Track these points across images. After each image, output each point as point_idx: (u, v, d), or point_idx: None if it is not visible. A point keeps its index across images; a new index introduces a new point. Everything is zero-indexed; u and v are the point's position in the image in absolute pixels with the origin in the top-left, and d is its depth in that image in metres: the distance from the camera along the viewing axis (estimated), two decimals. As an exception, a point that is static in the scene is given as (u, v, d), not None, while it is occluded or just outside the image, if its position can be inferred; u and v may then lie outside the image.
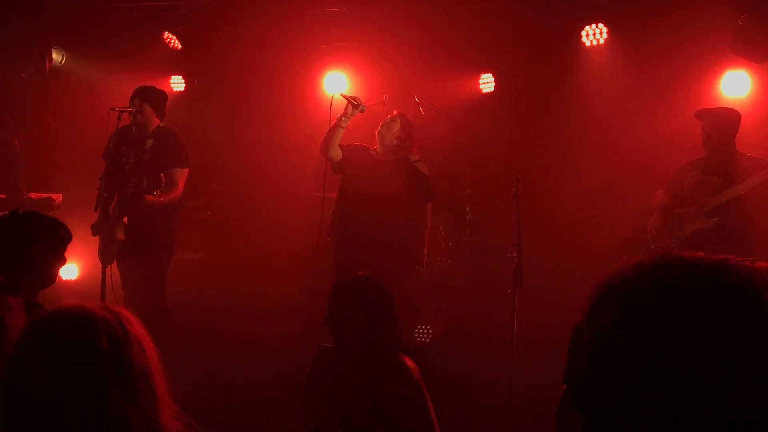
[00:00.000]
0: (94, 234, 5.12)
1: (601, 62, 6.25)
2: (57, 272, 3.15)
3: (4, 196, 6.25)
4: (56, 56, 7.13)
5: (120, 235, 5.10)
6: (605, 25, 6.15)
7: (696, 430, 0.80)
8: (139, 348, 1.61)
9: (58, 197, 6.33)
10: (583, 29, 6.24)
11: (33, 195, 6.30)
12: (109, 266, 5.08)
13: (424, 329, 5.88)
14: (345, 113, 4.91)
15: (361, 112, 4.93)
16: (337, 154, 5.06)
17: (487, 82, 6.92)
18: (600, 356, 0.86)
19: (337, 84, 6.61)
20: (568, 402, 0.90)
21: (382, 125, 5.14)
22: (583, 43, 6.27)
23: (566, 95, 6.44)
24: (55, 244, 3.09)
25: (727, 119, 4.99)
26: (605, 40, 6.17)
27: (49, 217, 3.19)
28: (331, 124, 4.98)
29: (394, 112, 5.22)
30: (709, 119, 5.00)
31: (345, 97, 4.92)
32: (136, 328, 1.65)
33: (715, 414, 0.80)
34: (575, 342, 0.92)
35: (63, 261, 3.15)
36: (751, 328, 0.82)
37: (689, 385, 0.81)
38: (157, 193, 4.91)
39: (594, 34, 6.21)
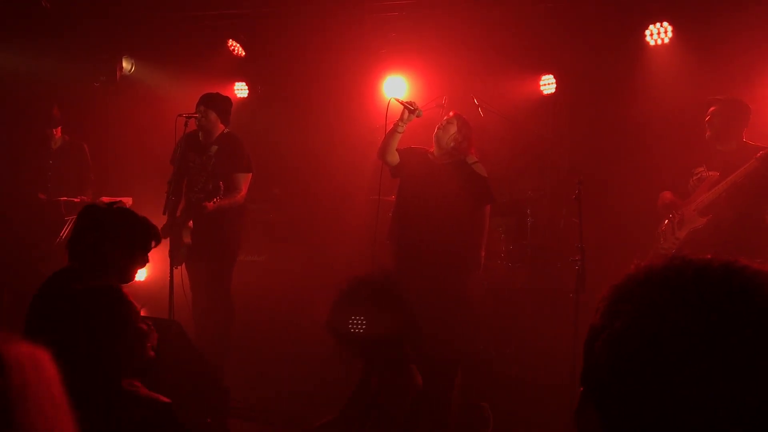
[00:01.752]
0: (163, 237, 5.27)
1: (666, 62, 6.11)
2: (134, 272, 3.21)
3: (78, 200, 6.50)
4: (126, 65, 7.38)
5: (186, 239, 5.26)
6: (670, 24, 6.02)
7: (710, 429, 0.81)
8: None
9: (128, 200, 6.53)
10: (647, 28, 6.11)
11: (104, 198, 6.52)
12: (177, 268, 5.24)
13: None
14: (401, 118, 4.94)
15: (417, 116, 4.94)
16: (394, 158, 5.09)
17: (548, 83, 6.85)
18: (614, 359, 0.88)
19: (394, 88, 6.65)
20: (585, 403, 0.92)
21: (438, 128, 5.14)
22: (647, 43, 6.14)
23: (630, 96, 6.31)
24: (137, 244, 3.16)
25: (732, 107, 4.80)
26: (670, 39, 6.04)
27: (141, 218, 3.27)
28: (388, 130, 5.02)
29: (450, 114, 5.19)
30: (715, 105, 4.84)
31: (401, 102, 4.95)
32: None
33: (729, 413, 0.81)
34: (590, 344, 0.94)
35: (143, 262, 3.24)
36: (762, 329, 0.83)
37: (701, 386, 0.82)
38: (216, 200, 5.03)
39: (658, 33, 6.08)
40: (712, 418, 0.81)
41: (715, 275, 0.88)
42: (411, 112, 4.90)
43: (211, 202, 5.04)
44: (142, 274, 7.26)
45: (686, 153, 5.09)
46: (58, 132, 6.84)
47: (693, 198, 4.85)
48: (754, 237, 4.62)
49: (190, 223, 5.33)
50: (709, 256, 0.92)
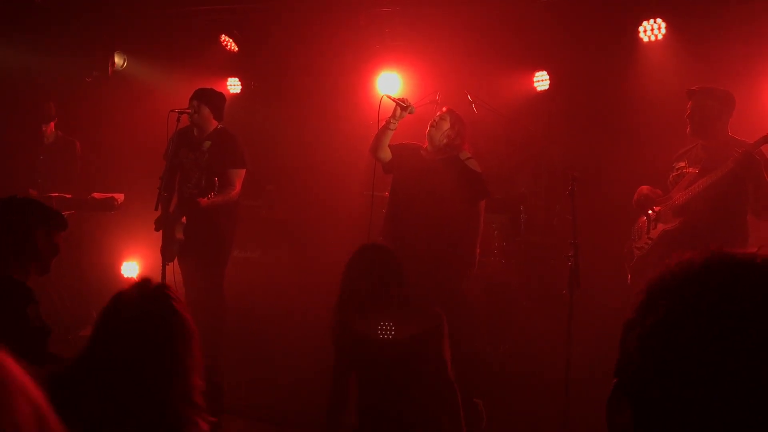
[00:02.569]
0: (156, 229, 5.25)
1: (660, 58, 6.11)
2: (49, 259, 3.18)
3: (69, 196, 6.47)
4: (118, 60, 7.35)
5: (179, 235, 5.24)
6: (664, 20, 6.01)
7: (744, 427, 0.81)
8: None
9: (120, 197, 6.51)
10: (640, 24, 6.11)
11: (96, 195, 6.50)
12: (170, 264, 5.22)
13: (387, 326, 5.84)
14: (393, 115, 4.92)
15: (410, 113, 4.92)
16: (386, 155, 5.07)
17: (541, 80, 6.85)
18: (649, 353, 0.88)
19: (388, 85, 6.63)
20: (618, 396, 0.92)
21: (431, 124, 5.12)
22: (641, 39, 6.14)
23: (624, 92, 6.31)
24: (51, 230, 3.16)
25: (711, 99, 4.50)
26: (664, 35, 6.04)
27: (46, 205, 3.29)
28: (380, 126, 5.00)
29: (443, 109, 5.17)
30: (694, 96, 4.56)
31: (393, 99, 4.93)
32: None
33: (763, 411, 0.80)
34: (625, 337, 0.94)
35: (50, 251, 3.17)
36: None
37: (738, 384, 0.82)
38: (211, 195, 5.01)
39: (652, 30, 6.08)
40: (747, 415, 0.81)
41: (757, 271, 0.87)
42: (403, 109, 4.88)
43: (205, 198, 5.02)
44: (134, 271, 7.25)
45: (669, 146, 4.93)
46: (51, 127, 6.81)
47: (671, 195, 4.60)
48: (730, 240, 4.30)
49: (183, 218, 5.31)
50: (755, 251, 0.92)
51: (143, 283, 2.09)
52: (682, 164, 4.63)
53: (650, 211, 4.69)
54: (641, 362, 0.89)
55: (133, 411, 1.85)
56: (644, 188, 4.79)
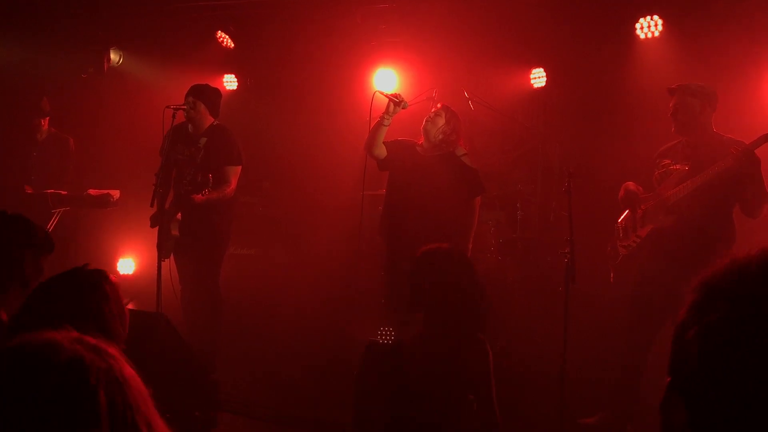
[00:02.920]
0: (152, 225, 5.23)
1: (656, 55, 6.10)
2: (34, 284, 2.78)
3: (65, 192, 6.45)
4: (114, 56, 7.33)
5: (175, 231, 5.23)
6: (660, 17, 6.01)
7: None
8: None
9: (116, 193, 6.50)
10: (637, 21, 6.10)
11: (92, 191, 6.48)
12: (166, 260, 5.21)
13: (386, 331, 5.86)
14: (387, 111, 4.90)
15: (403, 108, 4.91)
16: (381, 151, 5.06)
17: (538, 77, 6.85)
18: (707, 353, 0.87)
19: (384, 81, 6.63)
20: (673, 396, 0.91)
21: (426, 121, 5.11)
22: (638, 36, 6.14)
23: (620, 89, 6.31)
24: (40, 253, 2.92)
25: (693, 96, 4.45)
26: (660, 32, 6.03)
27: (34, 224, 3.01)
28: (374, 123, 4.98)
29: (438, 105, 5.17)
30: (676, 94, 4.52)
31: (385, 95, 4.92)
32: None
33: None
34: (680, 337, 0.92)
35: (41, 273, 2.91)
36: None
37: None
38: (206, 192, 5.00)
39: (649, 27, 6.07)
40: None
41: None
42: (396, 104, 4.87)
43: (200, 195, 5.01)
44: (130, 268, 7.24)
45: (665, 143, 4.90)
46: (45, 124, 6.79)
47: (659, 192, 4.53)
48: (721, 236, 4.32)
49: (179, 215, 5.29)
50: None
51: (79, 268, 2.04)
52: (667, 161, 4.58)
53: (633, 208, 4.64)
54: (699, 362, 0.88)
55: None
56: (630, 185, 4.73)
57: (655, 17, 6.02)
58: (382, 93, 4.94)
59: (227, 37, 7.32)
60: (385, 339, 5.86)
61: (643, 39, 6.13)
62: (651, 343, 4.48)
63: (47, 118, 6.79)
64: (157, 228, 5.17)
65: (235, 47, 7.38)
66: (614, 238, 4.75)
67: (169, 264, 5.26)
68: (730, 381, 0.84)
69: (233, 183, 5.38)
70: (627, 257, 4.59)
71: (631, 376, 4.49)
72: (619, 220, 4.73)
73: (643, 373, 4.50)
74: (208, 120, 5.46)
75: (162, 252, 5.12)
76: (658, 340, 4.47)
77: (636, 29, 6.12)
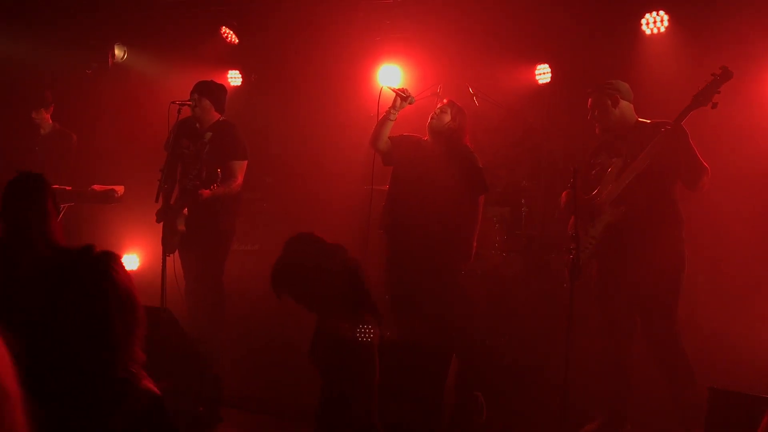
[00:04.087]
0: (158, 221, 5.24)
1: (662, 51, 6.07)
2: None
3: (70, 188, 6.45)
4: (118, 52, 7.33)
5: (181, 227, 5.23)
6: (666, 13, 5.98)
7: None
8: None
9: (120, 189, 6.49)
10: (642, 17, 6.08)
11: (96, 187, 6.48)
12: (171, 256, 5.21)
13: (366, 329, 5.85)
14: (393, 106, 4.90)
15: (409, 104, 4.91)
16: (386, 146, 5.05)
17: (543, 73, 6.82)
18: None
19: (388, 76, 6.61)
20: None
21: (432, 116, 5.10)
22: (643, 32, 6.11)
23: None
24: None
25: (604, 94, 4.49)
26: (666, 28, 6.00)
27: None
28: (380, 118, 4.97)
29: (444, 101, 5.15)
30: (591, 96, 4.58)
31: (393, 89, 4.91)
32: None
33: None
34: None
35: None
36: None
37: None
38: (214, 187, 5.00)
39: (654, 22, 6.04)
40: None
41: None
42: (403, 99, 4.86)
43: (208, 190, 5.01)
44: (134, 263, 7.24)
45: (585, 146, 4.88)
46: (48, 118, 6.78)
47: (600, 190, 4.46)
48: (668, 220, 4.35)
49: (185, 210, 5.29)
50: None
51: (85, 249, 2.05)
52: (601, 159, 4.56)
53: (575, 213, 4.57)
54: None
55: (65, 378, 1.84)
56: (564, 193, 4.73)
57: (661, 13, 5.99)
58: (389, 88, 4.93)
59: (231, 32, 7.32)
60: (365, 337, 5.90)
61: (649, 35, 6.10)
62: (630, 338, 4.46)
63: (50, 109, 6.77)
64: (162, 223, 5.17)
65: (239, 43, 7.37)
66: (572, 244, 4.45)
67: (173, 259, 5.26)
68: None
69: (240, 178, 5.38)
70: (589, 258, 4.50)
71: (618, 378, 4.47)
72: (569, 228, 4.55)
73: (631, 372, 4.47)
74: (214, 116, 5.46)
75: (167, 247, 5.13)
76: (638, 337, 4.46)
77: (642, 25, 6.09)
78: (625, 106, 4.53)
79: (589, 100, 4.60)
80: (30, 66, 7.19)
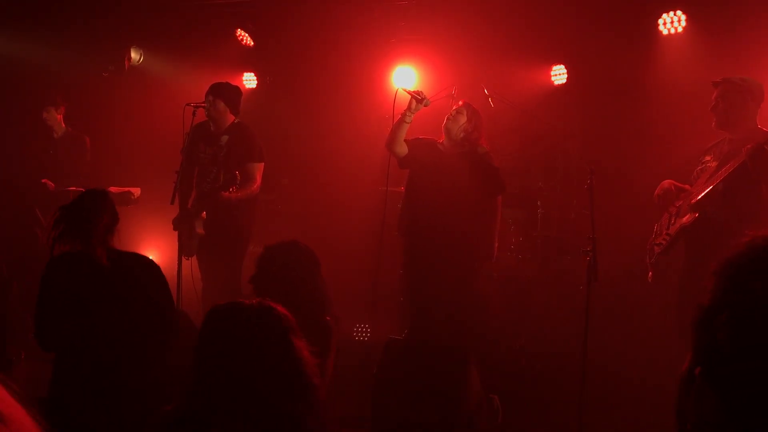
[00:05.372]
0: (175, 228, 5.25)
1: (680, 51, 6.02)
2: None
3: (83, 189, 6.48)
4: (134, 55, 7.36)
5: (200, 230, 5.24)
6: (684, 13, 5.93)
7: None
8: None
9: (136, 191, 6.53)
10: (660, 17, 6.03)
11: (113, 188, 6.50)
12: (189, 259, 5.22)
13: (362, 327, 5.90)
14: (409, 108, 4.89)
15: (425, 106, 4.89)
16: (402, 149, 5.04)
17: (559, 74, 6.79)
18: (745, 336, 0.82)
19: (403, 78, 6.60)
20: (703, 387, 0.86)
21: (447, 118, 5.09)
22: (660, 32, 6.07)
23: (642, 86, 6.24)
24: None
25: (736, 89, 4.34)
26: (684, 28, 5.96)
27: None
28: (395, 120, 4.97)
29: (460, 103, 5.14)
30: (719, 88, 4.41)
31: (408, 92, 4.90)
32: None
33: None
34: (707, 323, 0.88)
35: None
36: None
37: None
38: (233, 189, 5.01)
39: (672, 22, 6.00)
40: None
41: None
42: (419, 101, 4.85)
43: (228, 192, 5.02)
44: (150, 265, 7.26)
45: (688, 140, 4.80)
46: (60, 121, 6.81)
47: (692, 190, 4.46)
48: (735, 238, 4.18)
49: (203, 213, 5.31)
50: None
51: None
52: (708, 158, 4.50)
53: (670, 206, 4.58)
54: (732, 346, 0.83)
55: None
56: (666, 183, 4.65)
57: (678, 12, 5.95)
58: (405, 90, 4.91)
59: (247, 35, 7.34)
60: (361, 336, 6.01)
61: (666, 35, 6.06)
62: None
63: (61, 111, 6.79)
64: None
65: (254, 45, 7.39)
66: (652, 236, 4.68)
67: (190, 262, 5.28)
68: (763, 365, 0.80)
69: (258, 180, 5.39)
70: (660, 255, 4.49)
71: None
72: (660, 220, 4.67)
73: None
74: (229, 118, 5.46)
75: (186, 251, 5.14)
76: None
77: (659, 25, 6.05)
78: (752, 108, 4.36)
79: (716, 91, 4.43)
80: (47, 69, 7.24)
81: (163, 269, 7.10)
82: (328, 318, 3.51)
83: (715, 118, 4.42)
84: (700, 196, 4.32)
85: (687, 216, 4.38)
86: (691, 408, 0.89)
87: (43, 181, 6.44)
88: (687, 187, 4.60)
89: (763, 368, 0.80)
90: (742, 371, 0.82)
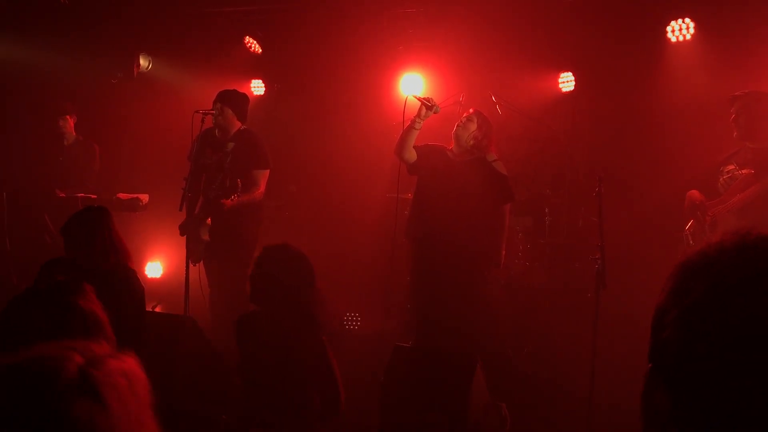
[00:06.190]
0: (182, 234, 5.27)
1: (688, 59, 6.02)
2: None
3: (95, 197, 6.52)
4: (143, 62, 7.40)
5: (205, 236, 5.26)
6: (692, 20, 5.93)
7: None
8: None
9: (145, 197, 6.56)
10: (668, 24, 6.03)
11: (121, 195, 6.54)
12: (195, 264, 5.23)
13: (353, 316, 5.92)
14: (418, 115, 4.89)
15: (435, 113, 4.89)
16: (411, 155, 5.04)
17: (566, 81, 6.79)
18: (687, 335, 0.87)
19: (411, 85, 6.61)
20: (655, 382, 0.90)
21: (457, 125, 5.09)
22: (669, 39, 6.06)
23: (650, 93, 6.23)
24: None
25: (756, 102, 4.51)
26: (692, 35, 5.95)
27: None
28: (405, 126, 4.97)
29: (470, 111, 5.14)
30: (739, 101, 4.58)
31: (418, 98, 4.90)
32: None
33: None
34: (659, 322, 0.92)
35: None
36: None
37: None
38: (234, 197, 5.02)
39: (680, 30, 6.00)
40: None
41: None
42: (428, 108, 4.85)
43: (230, 200, 5.03)
44: (158, 271, 7.29)
45: (714, 150, 4.87)
46: (71, 129, 6.85)
47: (724, 198, 4.56)
48: None
49: (209, 220, 5.32)
50: None
51: None
52: (732, 167, 4.61)
53: (699, 215, 4.68)
54: (679, 346, 0.87)
55: None
56: (695, 193, 4.77)
57: (687, 20, 5.95)
58: (415, 97, 4.91)
59: (255, 42, 7.37)
60: (352, 325, 6.12)
61: (674, 42, 6.05)
62: None
63: (72, 118, 6.84)
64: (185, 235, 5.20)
65: (262, 52, 7.42)
66: (683, 245, 4.77)
67: (198, 268, 5.29)
68: (712, 362, 0.84)
69: (262, 186, 5.40)
70: None
71: None
72: (686, 228, 4.76)
73: None
74: (236, 125, 5.48)
75: (193, 256, 5.15)
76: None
77: (667, 32, 6.05)
78: None
79: (736, 104, 4.59)
80: (56, 76, 7.28)
81: (170, 275, 7.13)
82: (324, 337, 3.41)
83: (737, 130, 4.59)
84: (744, 203, 4.39)
85: (732, 223, 4.40)
86: (646, 400, 0.94)
87: (55, 190, 6.48)
88: (704, 197, 4.68)
89: (704, 366, 0.84)
90: (686, 371, 0.87)
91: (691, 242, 4.74)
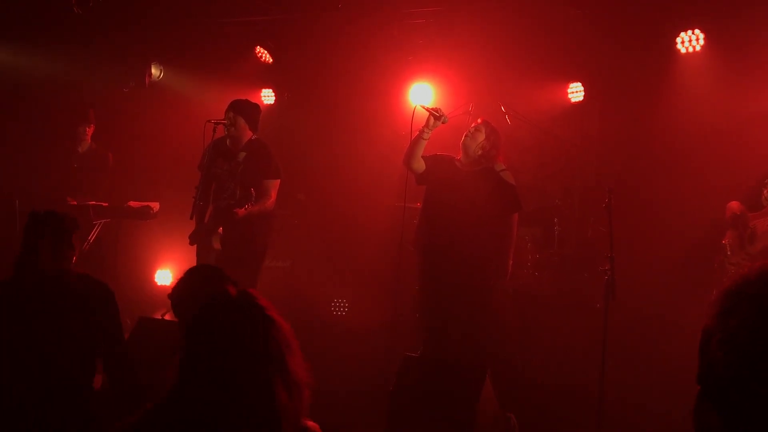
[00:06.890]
0: (192, 243, 5.29)
1: (698, 70, 6.02)
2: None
3: (106, 204, 6.57)
4: (155, 71, 7.46)
5: (216, 245, 5.28)
6: (702, 31, 5.94)
7: None
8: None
9: (155, 205, 6.59)
10: (678, 35, 6.04)
11: (132, 203, 6.58)
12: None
13: (340, 302, 5.92)
14: (427, 125, 4.91)
15: (443, 123, 4.91)
16: (420, 165, 5.06)
17: (576, 91, 6.80)
18: (733, 357, 0.88)
19: (420, 95, 6.63)
20: (704, 403, 0.91)
21: (466, 135, 5.11)
22: (678, 50, 6.07)
23: (660, 104, 6.23)
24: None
25: None
26: (702, 46, 5.96)
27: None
28: (414, 137, 4.99)
29: (479, 120, 5.16)
30: None
31: (426, 109, 4.92)
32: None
33: None
34: (705, 345, 0.94)
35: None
36: None
37: None
38: (248, 206, 5.04)
39: (690, 41, 6.00)
40: None
41: None
42: (437, 118, 4.87)
43: (243, 209, 5.05)
44: (167, 279, 7.33)
45: (704, 157, 4.91)
46: (88, 137, 6.92)
47: (767, 210, 4.68)
48: None
49: (220, 229, 5.35)
50: None
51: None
52: None
53: (739, 226, 4.76)
54: (725, 367, 0.89)
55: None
56: (735, 204, 4.86)
57: (697, 31, 5.95)
58: (423, 107, 4.93)
59: (266, 52, 7.42)
60: (339, 311, 6.28)
61: (684, 54, 6.05)
62: None
63: (92, 127, 6.92)
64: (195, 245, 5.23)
65: (273, 62, 7.47)
66: (720, 255, 4.85)
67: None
68: (757, 383, 0.85)
69: (273, 196, 5.42)
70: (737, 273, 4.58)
71: None
72: (724, 240, 4.84)
73: None
74: (247, 134, 5.51)
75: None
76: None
77: (677, 43, 6.05)
78: None
79: None
80: (68, 85, 7.34)
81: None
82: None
83: None
84: None
85: None
86: (698, 420, 0.95)
87: (67, 198, 6.52)
88: (743, 208, 4.78)
89: (750, 388, 0.86)
90: (732, 392, 0.88)
91: (728, 253, 4.81)
